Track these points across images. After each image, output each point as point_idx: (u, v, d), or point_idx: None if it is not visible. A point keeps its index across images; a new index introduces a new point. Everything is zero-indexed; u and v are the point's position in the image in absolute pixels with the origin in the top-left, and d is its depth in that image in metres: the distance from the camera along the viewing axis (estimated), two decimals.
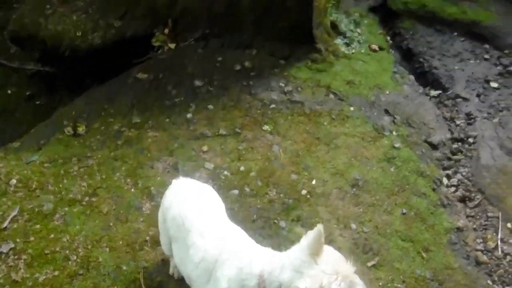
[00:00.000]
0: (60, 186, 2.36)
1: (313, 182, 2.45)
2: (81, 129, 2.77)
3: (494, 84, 3.24)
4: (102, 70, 3.52)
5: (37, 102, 3.70)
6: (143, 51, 3.48)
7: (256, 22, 3.28)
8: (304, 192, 2.40)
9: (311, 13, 3.13)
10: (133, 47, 3.50)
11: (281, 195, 2.38)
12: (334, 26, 3.48)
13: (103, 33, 3.53)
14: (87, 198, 2.30)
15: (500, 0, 4.01)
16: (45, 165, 2.49)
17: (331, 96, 2.97)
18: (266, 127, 2.73)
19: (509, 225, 2.39)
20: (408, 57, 3.55)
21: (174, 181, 1.92)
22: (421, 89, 3.23)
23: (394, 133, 2.77)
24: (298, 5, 3.11)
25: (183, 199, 1.79)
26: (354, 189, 2.44)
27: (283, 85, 3.01)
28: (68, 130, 2.77)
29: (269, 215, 2.29)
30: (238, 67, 3.14)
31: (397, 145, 2.68)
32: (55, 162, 2.51)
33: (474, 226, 2.40)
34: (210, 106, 2.87)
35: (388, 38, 3.74)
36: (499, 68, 3.40)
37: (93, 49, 3.47)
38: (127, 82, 3.12)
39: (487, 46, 3.60)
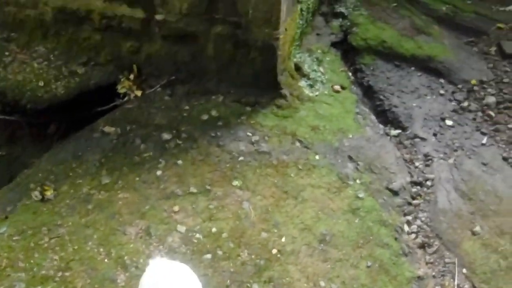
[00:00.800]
0: (31, 261, 2.36)
1: (283, 239, 2.55)
2: (49, 193, 2.76)
3: (449, 122, 3.42)
4: (67, 117, 3.51)
5: None
6: (109, 97, 3.48)
7: (221, 69, 3.34)
8: (274, 251, 2.49)
9: (276, 61, 3.21)
10: (98, 94, 3.50)
11: (253, 256, 2.46)
12: (298, 68, 3.57)
13: (67, 81, 3.51)
14: (60, 273, 2.31)
15: (452, 33, 4.23)
16: (14, 238, 2.47)
17: (297, 144, 3.07)
18: (235, 183, 2.80)
19: (464, 270, 2.56)
20: (369, 94, 3.69)
21: (151, 262, 1.97)
22: (382, 130, 3.37)
23: (357, 181, 2.90)
24: (262, 55, 3.18)
25: (160, 285, 1.84)
26: (322, 245, 2.55)
27: (250, 134, 3.09)
28: (36, 194, 2.75)
29: (242, 278, 2.37)
30: (205, 117, 3.19)
31: (361, 195, 2.80)
32: (24, 234, 2.50)
33: (433, 273, 2.56)
34: (180, 162, 2.91)
35: (350, 74, 3.87)
36: (454, 103, 3.59)
37: (57, 100, 3.44)
38: (93, 136, 3.11)
39: (442, 80, 3.78)
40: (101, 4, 3.35)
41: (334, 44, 4.04)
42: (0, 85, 3.47)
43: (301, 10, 3.63)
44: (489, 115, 3.46)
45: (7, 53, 3.64)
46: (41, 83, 3.48)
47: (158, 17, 3.28)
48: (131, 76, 3.50)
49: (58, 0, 3.44)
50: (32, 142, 3.62)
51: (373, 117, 3.47)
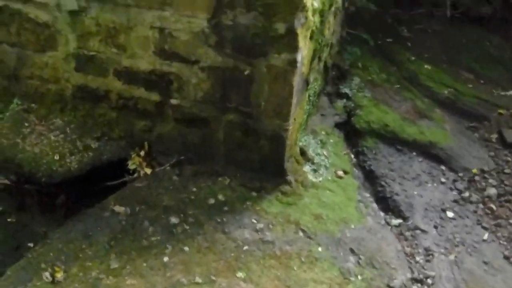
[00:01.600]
0: None
1: None
2: (59, 275, 2.82)
3: (450, 214, 3.51)
4: (76, 189, 3.63)
5: (9, 220, 3.70)
6: (119, 172, 3.60)
7: (229, 153, 3.48)
8: None
9: (284, 150, 3.34)
10: (109, 169, 3.62)
11: None
12: (302, 152, 3.71)
13: (81, 156, 3.64)
14: None
15: (454, 117, 4.39)
16: None
17: (300, 233, 3.15)
18: (239, 274, 2.86)
19: None
20: (370, 179, 3.80)
21: None
22: (383, 219, 3.46)
23: (359, 277, 2.96)
24: (271, 143, 3.32)
25: None
26: None
27: (255, 221, 3.18)
28: (46, 275, 2.82)
29: None
30: (212, 201, 3.29)
31: None
32: None
33: None
34: (186, 248, 2.99)
35: (353, 156, 4.00)
36: (455, 193, 3.69)
37: (70, 174, 3.55)
38: (104, 216, 3.21)
39: (443, 167, 3.90)
40: (120, 85, 3.53)
41: (337, 125, 4.19)
42: (18, 157, 3.60)
43: (309, 96, 3.80)
44: (490, 208, 3.54)
45: (26, 124, 3.79)
46: (57, 157, 3.61)
47: (173, 101, 3.44)
48: (142, 153, 3.64)
49: (79, 78, 3.62)
50: (41, 211, 3.72)
51: (374, 205, 3.56)
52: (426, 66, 4.88)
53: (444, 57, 5.06)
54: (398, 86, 4.60)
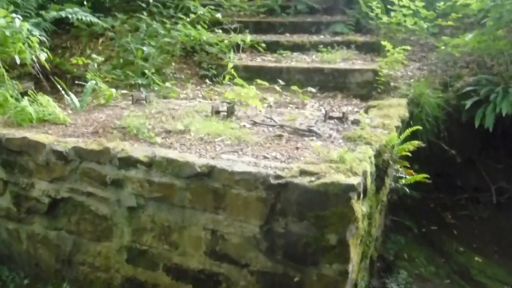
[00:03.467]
0: None
1: None
2: None
3: None
4: None
5: None
6: None
7: None
8: None
9: None
10: None
11: None
12: None
13: None
14: None
15: None
16: None
17: None
18: None
19: None
20: None
21: None
22: None
23: None
24: None
25: None
26: None
27: None
28: None
29: None
30: None
31: None
32: None
33: None
34: None
35: None
36: None
37: None
38: None
39: None
40: (168, 281, 3.54)
41: None
42: None
43: None
44: None
45: None
46: None
47: None
48: None
49: (129, 270, 3.68)
50: None
51: None
52: (476, 259, 4.70)
53: (495, 248, 4.90)
54: (448, 281, 4.39)
